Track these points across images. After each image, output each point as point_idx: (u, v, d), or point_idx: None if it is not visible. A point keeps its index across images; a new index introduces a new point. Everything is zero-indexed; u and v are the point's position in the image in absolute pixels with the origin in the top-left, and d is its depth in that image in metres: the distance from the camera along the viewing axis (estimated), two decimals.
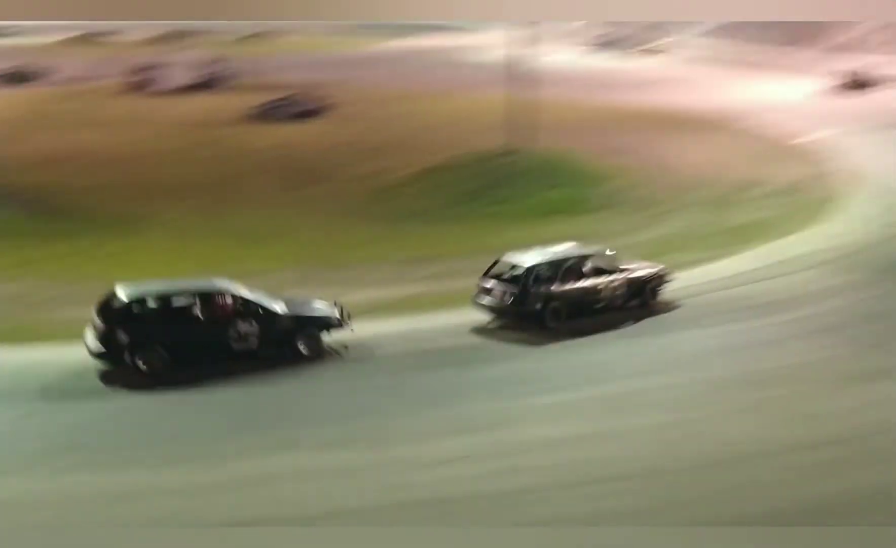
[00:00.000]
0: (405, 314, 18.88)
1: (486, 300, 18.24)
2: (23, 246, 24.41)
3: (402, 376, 15.68)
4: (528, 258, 18.38)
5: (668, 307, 18.93)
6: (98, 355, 15.81)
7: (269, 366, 16.05)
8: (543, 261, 18.35)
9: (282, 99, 46.23)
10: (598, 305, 18.42)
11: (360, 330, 17.15)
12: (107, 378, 15.67)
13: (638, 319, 18.36)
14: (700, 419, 13.71)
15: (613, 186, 30.07)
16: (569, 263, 18.41)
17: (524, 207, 28.21)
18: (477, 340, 17.63)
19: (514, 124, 31.96)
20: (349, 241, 25.49)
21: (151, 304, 16.36)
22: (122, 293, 16.13)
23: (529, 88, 33.10)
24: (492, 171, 30.19)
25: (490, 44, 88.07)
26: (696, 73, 61.96)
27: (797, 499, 11.29)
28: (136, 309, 16.12)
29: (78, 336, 16.12)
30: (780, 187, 29.43)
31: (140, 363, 15.67)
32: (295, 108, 45.39)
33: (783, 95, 49.73)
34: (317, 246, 24.80)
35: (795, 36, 64.42)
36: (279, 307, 16.70)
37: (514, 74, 33.85)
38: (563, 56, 77.96)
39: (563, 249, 19.05)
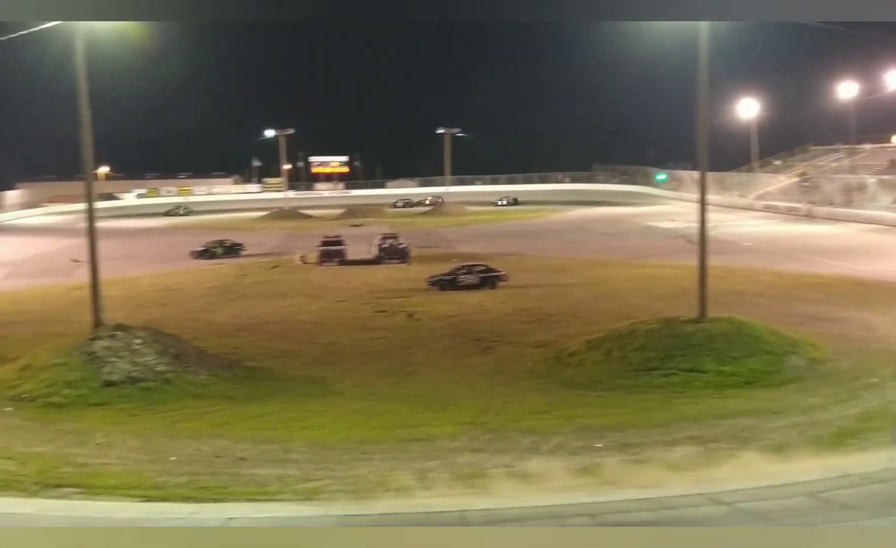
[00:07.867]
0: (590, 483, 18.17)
1: None
2: (219, 408, 25.55)
3: None
4: None
5: None
6: None
7: None
8: None
9: (457, 269, 47.43)
10: None
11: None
12: None
13: None
14: None
15: (804, 358, 28.50)
16: None
17: (709, 379, 27.10)
18: None
19: (695, 293, 31.15)
20: (526, 408, 25.07)
21: None
22: None
23: (712, 256, 32.37)
24: (673, 340, 29.27)
25: (673, 212, 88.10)
26: (881, 242, 59.43)
27: None
28: None
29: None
30: None
31: None
32: (470, 278, 46.38)
33: None
34: (494, 413, 24.56)
35: None
36: None
37: (693, 241, 33.29)
38: (746, 223, 76.83)
39: None
